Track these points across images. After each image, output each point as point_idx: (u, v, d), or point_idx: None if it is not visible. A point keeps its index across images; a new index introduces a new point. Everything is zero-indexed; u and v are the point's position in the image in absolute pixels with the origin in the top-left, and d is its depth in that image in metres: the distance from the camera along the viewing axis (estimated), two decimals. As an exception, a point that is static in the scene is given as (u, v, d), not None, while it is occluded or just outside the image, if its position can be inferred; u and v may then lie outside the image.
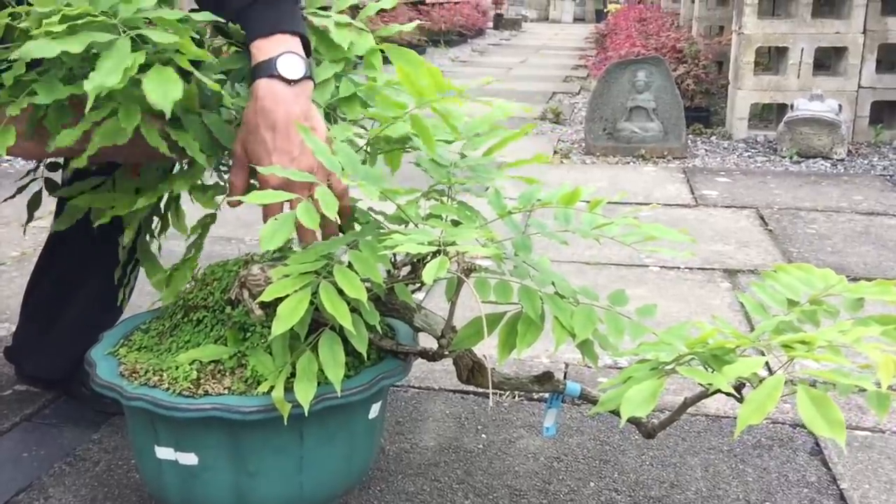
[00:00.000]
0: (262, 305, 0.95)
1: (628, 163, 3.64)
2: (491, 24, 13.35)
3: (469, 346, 1.00)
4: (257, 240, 2.30)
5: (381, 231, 0.99)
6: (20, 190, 1.23)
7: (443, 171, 1.06)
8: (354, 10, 1.18)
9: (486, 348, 0.97)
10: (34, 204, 1.22)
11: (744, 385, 0.91)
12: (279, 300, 0.87)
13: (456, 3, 11.50)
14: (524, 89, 6.10)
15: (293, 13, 1.02)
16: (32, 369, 1.38)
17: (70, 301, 1.29)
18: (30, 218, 1.23)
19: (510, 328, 0.97)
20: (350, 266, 0.91)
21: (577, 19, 17.71)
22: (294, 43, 0.99)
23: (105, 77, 0.82)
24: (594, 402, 1.08)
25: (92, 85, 0.82)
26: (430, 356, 1.02)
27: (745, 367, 0.77)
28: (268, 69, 0.96)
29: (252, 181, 1.00)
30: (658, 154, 3.70)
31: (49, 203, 1.36)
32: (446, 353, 1.00)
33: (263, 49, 0.97)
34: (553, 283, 1.02)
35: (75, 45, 0.82)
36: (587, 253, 2.30)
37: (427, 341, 1.06)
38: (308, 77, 0.99)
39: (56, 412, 1.36)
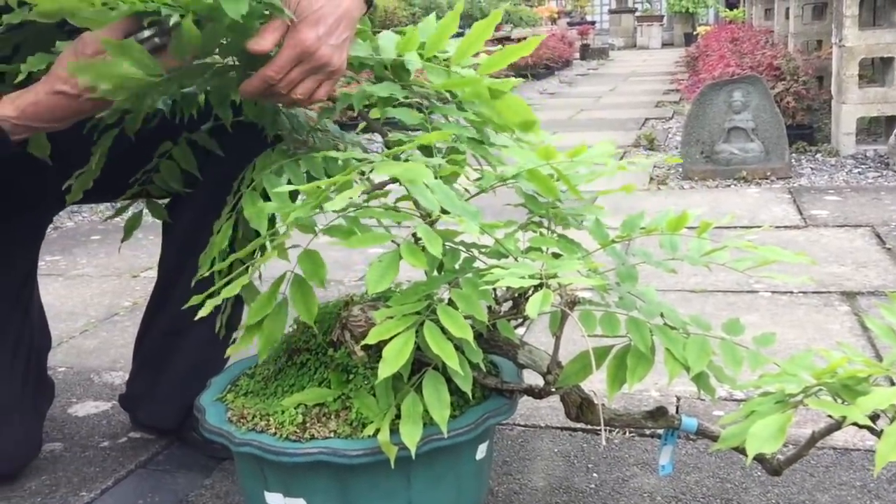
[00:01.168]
0: (364, 346, 0.94)
1: (729, 186, 3.52)
2: (577, 55, 13.31)
3: (576, 382, 0.97)
4: (356, 280, 2.32)
5: (481, 268, 0.97)
6: (119, 211, 1.26)
7: (542, 206, 1.04)
8: None
9: (594, 383, 0.93)
10: (133, 223, 1.24)
11: (878, 416, 0.85)
12: (382, 341, 0.86)
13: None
14: (615, 117, 6.02)
15: None
16: (146, 418, 1.42)
17: (178, 349, 1.32)
18: (127, 235, 1.25)
19: (619, 362, 0.94)
20: (451, 304, 0.89)
21: (666, 44, 17.47)
22: None
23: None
24: (712, 437, 1.02)
25: None
26: (537, 393, 0.99)
27: (883, 398, 0.71)
28: None
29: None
30: (760, 175, 3.57)
31: (154, 255, 1.40)
32: (553, 389, 0.97)
33: None
34: (662, 314, 0.97)
35: None
36: (692, 280, 2.22)
37: (532, 378, 1.03)
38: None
39: (169, 458, 1.39)
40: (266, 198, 0.99)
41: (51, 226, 2.02)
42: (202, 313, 0.89)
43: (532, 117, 1.02)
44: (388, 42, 1.04)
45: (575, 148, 1.05)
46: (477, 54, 1.03)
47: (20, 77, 0.89)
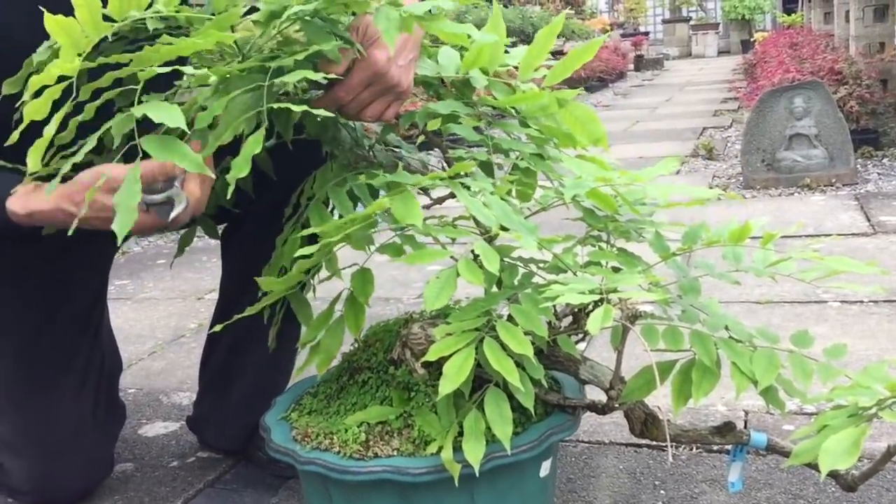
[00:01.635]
0: (425, 364, 0.94)
1: (792, 194, 3.44)
2: (632, 66, 13.20)
3: (640, 398, 0.95)
4: (415, 298, 2.33)
5: (540, 283, 0.97)
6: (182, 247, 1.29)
7: (600, 220, 1.03)
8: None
9: (658, 397, 0.92)
10: (186, 241, 1.26)
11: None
12: (442, 358, 0.86)
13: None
14: (671, 127, 5.94)
15: None
16: (212, 439, 1.45)
17: (242, 369, 1.34)
18: (179, 252, 1.27)
19: (684, 377, 0.92)
20: (511, 319, 0.89)
21: (722, 52, 17.21)
22: None
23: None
24: (783, 453, 1.00)
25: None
26: (600, 409, 0.98)
27: (963, 409, 0.68)
28: None
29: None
30: (825, 182, 3.48)
31: (217, 277, 1.43)
32: (616, 405, 0.96)
33: None
34: (727, 327, 0.95)
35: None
36: (757, 291, 2.17)
37: (594, 393, 1.02)
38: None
39: (236, 477, 1.41)
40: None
41: (119, 251, 2.08)
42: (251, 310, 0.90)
43: (602, 130, 1.01)
44: (448, 59, 1.04)
45: (634, 174, 1.05)
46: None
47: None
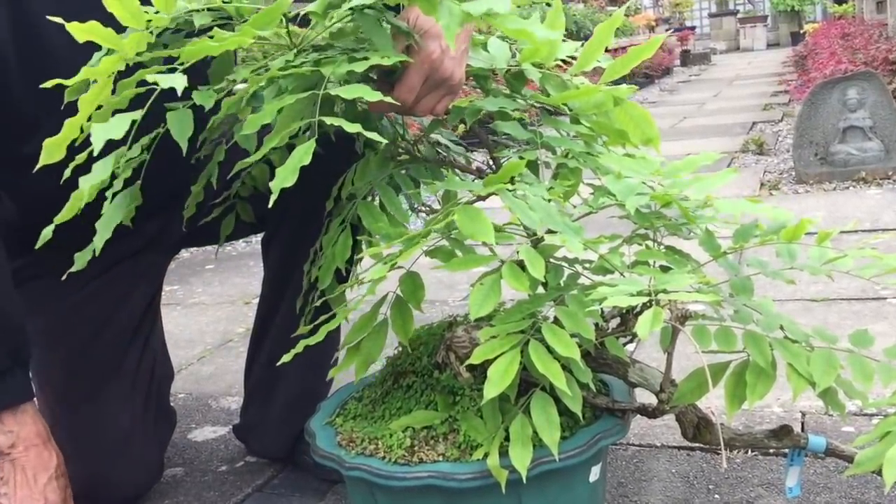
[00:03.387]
0: (469, 367, 0.93)
1: (847, 188, 3.35)
2: (678, 62, 13.01)
3: (692, 401, 0.92)
4: (460, 300, 2.31)
5: (586, 284, 0.94)
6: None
7: (647, 217, 1.00)
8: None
9: (711, 399, 0.89)
10: (226, 228, 1.24)
11: None
12: (487, 362, 0.84)
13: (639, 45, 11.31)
14: (720, 122, 5.84)
15: None
16: (258, 447, 1.45)
17: (283, 377, 1.34)
18: (220, 242, 1.26)
19: (737, 379, 0.89)
20: (557, 322, 0.87)
21: (771, 45, 16.87)
22: None
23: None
24: (843, 457, 0.96)
25: None
26: (650, 413, 0.95)
27: None
28: None
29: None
30: (881, 175, 3.38)
31: (256, 283, 1.43)
32: (667, 408, 0.93)
33: None
34: (782, 327, 0.92)
35: None
36: (812, 288, 2.11)
37: (644, 396, 0.99)
38: None
39: (284, 482, 1.41)
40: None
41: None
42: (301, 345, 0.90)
43: (655, 130, 0.98)
44: (499, 51, 1.02)
45: (683, 158, 1.02)
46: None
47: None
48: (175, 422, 1.44)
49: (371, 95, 0.82)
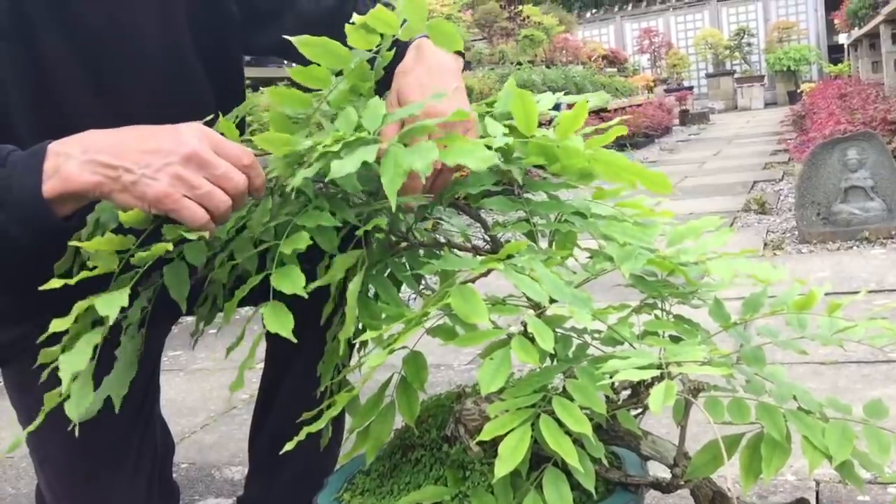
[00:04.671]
0: (479, 441, 0.92)
1: (851, 247, 3.35)
2: (677, 121, 13.18)
3: (706, 474, 0.91)
4: (465, 364, 2.30)
5: (595, 356, 0.94)
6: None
7: (653, 286, 1.00)
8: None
9: (724, 467, 0.87)
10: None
11: None
12: (497, 436, 0.83)
13: (638, 105, 11.49)
14: (721, 182, 5.88)
15: None
16: (264, 522, 1.42)
17: (289, 454, 1.32)
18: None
19: (752, 451, 0.88)
20: (566, 394, 0.86)
21: (769, 104, 17.10)
22: None
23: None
24: (862, 531, 0.94)
25: None
26: (664, 487, 0.93)
27: None
28: (424, 35, 1.01)
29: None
30: (885, 234, 3.39)
31: (260, 349, 1.42)
32: (682, 483, 0.92)
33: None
34: (795, 397, 0.91)
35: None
36: (821, 351, 2.10)
37: (656, 468, 0.97)
38: (460, 53, 1.05)
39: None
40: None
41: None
42: (301, 437, 0.89)
43: (667, 183, 0.98)
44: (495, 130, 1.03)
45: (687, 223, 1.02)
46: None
47: None
48: (178, 496, 1.41)
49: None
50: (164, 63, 1.12)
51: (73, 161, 0.84)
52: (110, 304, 0.81)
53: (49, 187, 0.84)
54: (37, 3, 1.02)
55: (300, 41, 0.92)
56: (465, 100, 0.99)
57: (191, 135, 0.86)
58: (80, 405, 0.87)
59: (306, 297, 0.85)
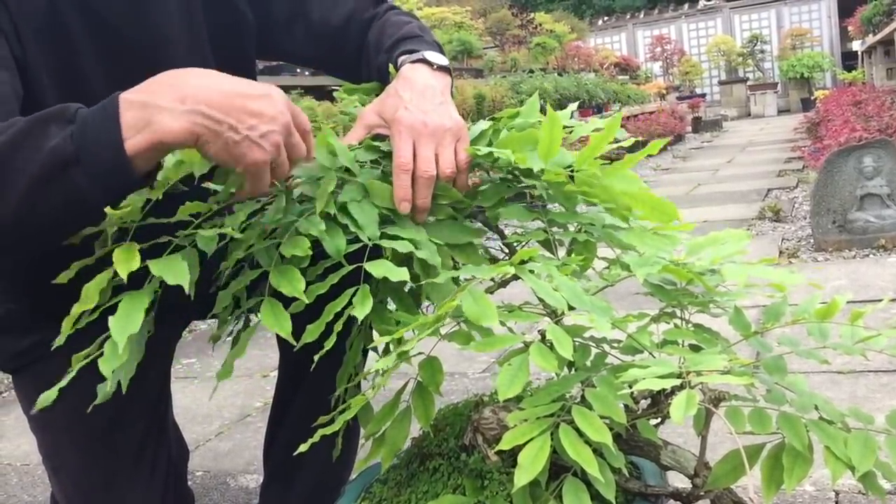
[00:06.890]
0: (498, 450, 0.91)
1: (867, 255, 3.33)
2: (690, 129, 13.13)
3: (727, 484, 0.90)
4: (480, 372, 2.29)
5: (615, 365, 0.93)
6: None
7: (672, 295, 1.00)
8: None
9: (744, 480, 0.86)
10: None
11: None
12: (516, 445, 0.82)
13: (651, 113, 11.47)
14: (734, 189, 5.85)
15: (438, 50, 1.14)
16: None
17: (303, 462, 1.31)
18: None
19: (773, 462, 0.87)
20: (586, 402, 0.86)
21: (782, 111, 17.02)
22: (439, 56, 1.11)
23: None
24: (885, 543, 0.93)
25: None
26: (685, 498, 0.93)
27: None
28: (413, 57, 1.07)
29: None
30: (901, 242, 3.37)
31: (274, 356, 1.42)
32: (702, 493, 0.91)
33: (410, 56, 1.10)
34: (816, 407, 0.90)
35: None
36: (839, 360, 2.08)
37: (676, 478, 0.97)
38: (448, 70, 1.09)
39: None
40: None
41: (186, 329, 2.09)
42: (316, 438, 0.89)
43: (675, 213, 0.98)
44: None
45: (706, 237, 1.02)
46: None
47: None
48: (193, 503, 1.41)
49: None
50: (186, 56, 1.13)
51: (167, 112, 0.80)
52: (125, 261, 0.83)
53: (136, 142, 0.80)
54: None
55: None
56: (449, 113, 1.01)
57: (282, 102, 0.88)
58: (113, 363, 0.85)
59: (305, 299, 0.87)
